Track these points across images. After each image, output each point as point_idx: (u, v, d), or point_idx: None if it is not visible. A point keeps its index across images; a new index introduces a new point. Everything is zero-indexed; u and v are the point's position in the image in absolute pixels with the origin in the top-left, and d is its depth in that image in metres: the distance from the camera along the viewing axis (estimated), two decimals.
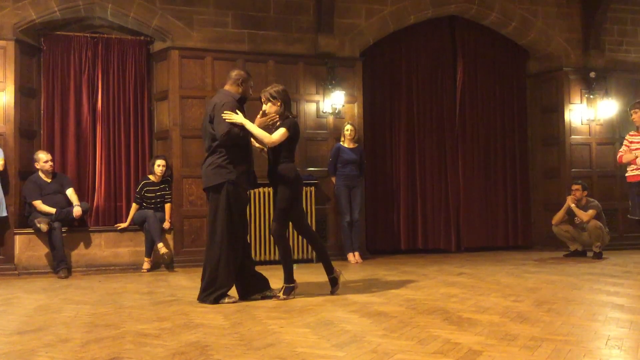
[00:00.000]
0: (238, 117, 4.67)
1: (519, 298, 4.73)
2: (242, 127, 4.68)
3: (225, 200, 4.72)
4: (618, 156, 6.94)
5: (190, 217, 7.69)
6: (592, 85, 9.30)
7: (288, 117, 4.91)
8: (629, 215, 7.02)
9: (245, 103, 4.98)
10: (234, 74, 4.97)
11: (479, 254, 8.79)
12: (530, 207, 9.67)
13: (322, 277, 5.24)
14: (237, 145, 4.73)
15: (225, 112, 4.63)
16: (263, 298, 4.90)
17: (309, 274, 6.35)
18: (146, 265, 7.31)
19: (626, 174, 6.93)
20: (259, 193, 7.61)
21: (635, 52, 9.72)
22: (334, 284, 5.07)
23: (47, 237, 6.97)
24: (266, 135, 4.79)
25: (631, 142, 6.86)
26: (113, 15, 7.69)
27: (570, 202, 8.01)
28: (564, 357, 2.94)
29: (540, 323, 3.74)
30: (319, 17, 8.24)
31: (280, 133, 4.79)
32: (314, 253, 7.40)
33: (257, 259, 7.25)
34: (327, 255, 5.12)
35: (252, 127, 4.76)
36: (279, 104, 4.91)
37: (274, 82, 7.83)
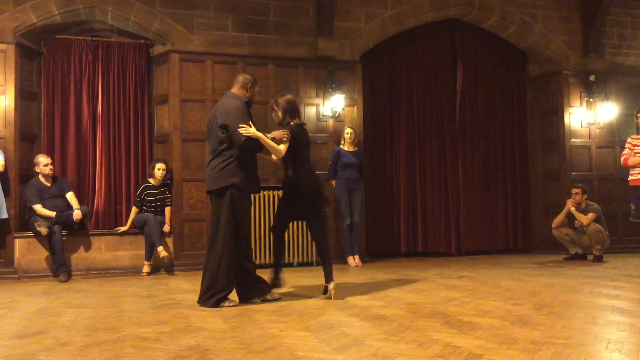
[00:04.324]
0: (254, 130, 4.69)
1: (519, 301, 4.72)
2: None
3: (229, 204, 4.71)
4: (622, 159, 6.92)
5: (190, 221, 7.68)
6: (592, 89, 9.31)
7: (289, 124, 4.95)
8: (631, 219, 7.01)
9: (250, 107, 5.00)
10: (241, 78, 5.01)
11: (479, 257, 8.79)
12: (530, 211, 9.66)
13: (322, 280, 5.23)
14: (244, 150, 4.74)
15: (241, 125, 4.64)
16: (263, 301, 4.90)
17: (309, 277, 6.35)
18: (146, 269, 7.30)
19: (629, 178, 6.92)
20: (261, 197, 7.60)
21: (635, 55, 9.73)
22: (325, 291, 5.07)
23: (47, 241, 6.97)
24: (277, 150, 4.85)
25: (634, 145, 6.85)
26: (113, 18, 7.70)
27: (570, 205, 8.01)
28: None
29: (541, 326, 3.74)
30: (319, 21, 8.25)
31: (283, 145, 4.88)
32: (316, 257, 7.44)
33: (258, 262, 7.25)
34: (329, 264, 5.06)
35: (267, 141, 4.78)
36: (279, 113, 5.02)
37: (275, 86, 8.02)
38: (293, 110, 5.07)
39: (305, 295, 5.14)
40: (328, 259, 5.07)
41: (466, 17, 9.21)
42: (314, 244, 5.46)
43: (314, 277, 6.21)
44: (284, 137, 4.87)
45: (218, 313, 4.47)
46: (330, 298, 4.99)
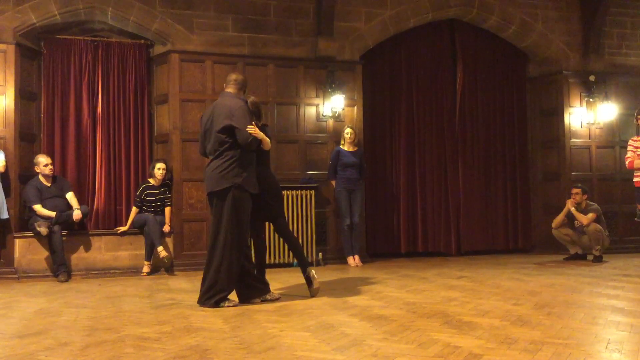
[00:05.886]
0: (258, 131, 4.77)
1: (519, 301, 4.72)
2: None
3: (231, 204, 4.72)
4: (627, 162, 6.91)
5: (190, 221, 7.68)
6: (592, 89, 9.31)
7: (256, 125, 5.01)
8: (637, 219, 7.01)
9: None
10: (239, 78, 5.08)
11: (479, 258, 8.79)
12: (530, 211, 9.66)
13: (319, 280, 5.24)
14: (246, 149, 4.77)
15: (249, 127, 4.69)
16: (263, 302, 4.90)
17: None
18: (146, 269, 7.30)
19: (634, 179, 6.92)
20: None
21: (634, 55, 9.73)
22: (309, 281, 5.14)
23: (47, 241, 6.97)
24: (269, 146, 5.06)
25: (637, 147, 6.85)
26: (113, 19, 7.70)
27: (570, 205, 8.01)
28: None
29: (541, 326, 3.74)
30: (319, 21, 8.25)
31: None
32: (315, 256, 7.42)
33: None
34: (303, 255, 5.30)
35: (266, 140, 4.96)
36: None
37: (275, 86, 8.05)
38: (258, 112, 5.20)
39: (305, 296, 5.14)
40: (301, 250, 5.30)
41: (466, 17, 9.21)
42: (286, 242, 5.54)
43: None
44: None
45: (218, 313, 4.47)
46: (318, 287, 5.13)
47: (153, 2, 7.67)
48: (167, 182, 7.59)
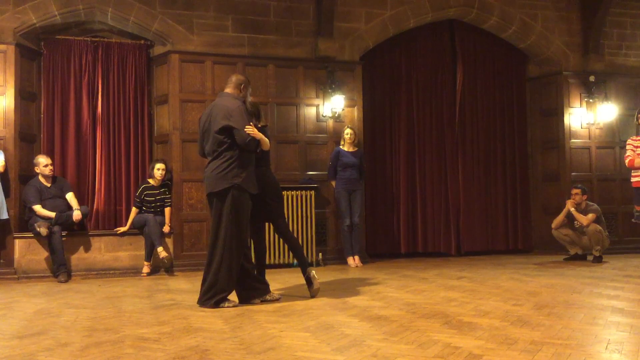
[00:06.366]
0: (257, 131, 4.75)
1: (519, 302, 4.72)
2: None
3: (231, 205, 4.72)
4: (627, 160, 6.91)
5: (190, 221, 7.69)
6: (592, 89, 9.31)
7: (256, 126, 5.02)
8: (634, 220, 7.01)
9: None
10: (235, 78, 5.06)
11: (478, 258, 8.79)
12: (530, 211, 9.66)
13: (319, 280, 5.23)
14: (245, 150, 4.77)
15: (247, 127, 4.68)
16: (263, 302, 4.90)
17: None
18: (146, 269, 7.30)
19: (632, 180, 6.91)
20: None
21: (634, 56, 9.74)
22: (309, 282, 5.14)
23: (47, 241, 6.97)
24: (268, 147, 5.03)
25: (636, 147, 6.85)
26: (113, 19, 7.70)
27: (570, 205, 8.01)
28: None
29: (541, 327, 3.74)
30: (319, 21, 8.26)
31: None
32: (315, 256, 7.42)
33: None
34: (303, 255, 5.28)
35: (265, 140, 4.93)
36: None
37: (275, 86, 8.06)
38: (258, 113, 5.23)
39: (305, 296, 5.14)
40: (301, 251, 5.28)
41: (466, 17, 9.21)
42: (286, 243, 5.56)
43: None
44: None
45: (218, 313, 4.47)
46: (318, 288, 5.13)
47: (153, 2, 7.68)
48: (167, 183, 7.59)
